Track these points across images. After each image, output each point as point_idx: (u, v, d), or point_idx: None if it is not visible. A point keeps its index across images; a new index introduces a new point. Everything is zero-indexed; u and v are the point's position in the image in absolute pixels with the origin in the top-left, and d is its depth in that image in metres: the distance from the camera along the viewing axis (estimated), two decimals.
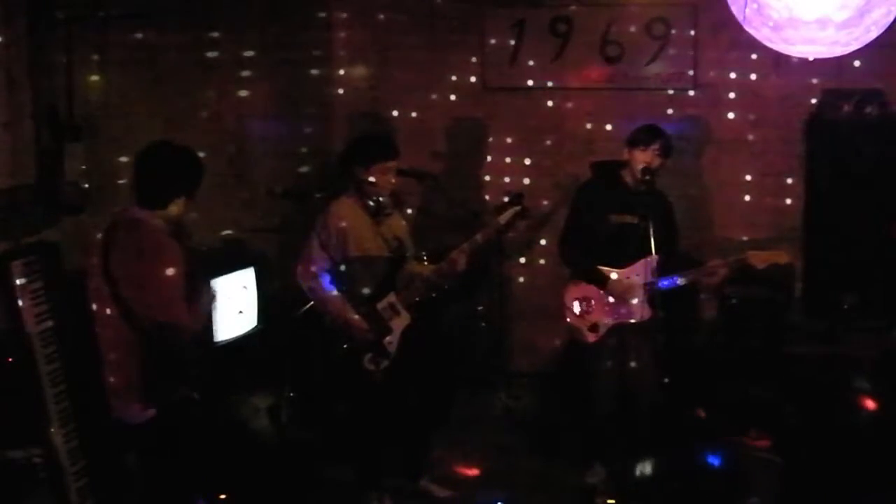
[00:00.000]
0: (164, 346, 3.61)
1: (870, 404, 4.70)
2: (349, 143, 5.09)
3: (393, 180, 4.84)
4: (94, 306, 3.67)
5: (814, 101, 5.96)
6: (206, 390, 3.89)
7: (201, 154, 3.96)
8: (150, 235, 3.68)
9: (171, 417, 3.69)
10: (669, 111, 6.35)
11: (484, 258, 5.19)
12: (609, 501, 4.86)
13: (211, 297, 4.01)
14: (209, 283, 4.04)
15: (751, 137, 6.29)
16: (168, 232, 3.75)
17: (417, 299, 4.90)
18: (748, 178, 6.30)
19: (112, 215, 3.82)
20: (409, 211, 6.43)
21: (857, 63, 5.69)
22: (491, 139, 6.70)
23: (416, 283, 4.89)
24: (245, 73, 6.13)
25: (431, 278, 4.86)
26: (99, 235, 3.81)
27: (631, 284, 4.97)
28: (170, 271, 3.62)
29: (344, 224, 4.79)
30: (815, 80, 5.82)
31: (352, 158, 4.85)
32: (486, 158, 6.71)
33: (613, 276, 4.98)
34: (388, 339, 4.79)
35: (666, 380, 4.91)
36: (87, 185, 4.65)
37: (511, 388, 6.31)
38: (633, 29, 6.39)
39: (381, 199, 4.83)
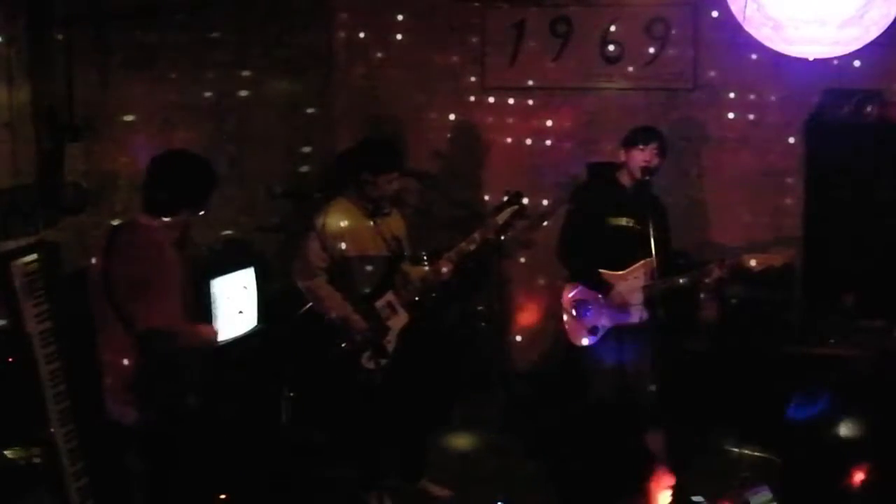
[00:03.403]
0: (156, 350, 3.62)
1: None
2: (356, 145, 5.09)
3: (396, 186, 4.86)
4: (93, 307, 3.67)
5: (814, 101, 5.95)
6: (205, 394, 3.90)
7: (201, 154, 3.95)
8: (150, 241, 3.69)
9: (166, 422, 3.70)
10: (669, 111, 6.35)
11: (484, 258, 5.19)
12: None
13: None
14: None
15: (751, 137, 6.29)
16: (171, 239, 3.76)
17: (416, 299, 4.91)
18: (748, 178, 6.30)
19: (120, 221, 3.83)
20: (410, 211, 6.43)
21: (857, 63, 5.68)
22: (491, 139, 6.70)
23: (415, 282, 4.90)
24: (245, 73, 6.12)
25: (417, 284, 4.87)
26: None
27: (630, 289, 4.97)
28: (165, 277, 3.63)
29: (342, 224, 4.80)
30: (815, 80, 5.82)
31: (358, 162, 4.86)
32: (485, 158, 6.71)
33: (616, 281, 4.98)
34: (386, 338, 4.79)
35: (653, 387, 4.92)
36: (86, 185, 4.64)
37: (511, 388, 6.31)
38: (633, 29, 6.39)
39: (381, 200, 4.85)
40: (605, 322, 5.01)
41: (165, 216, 3.75)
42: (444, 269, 4.84)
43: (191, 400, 3.85)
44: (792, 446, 4.90)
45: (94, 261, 3.84)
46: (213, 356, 4.01)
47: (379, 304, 4.81)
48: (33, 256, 3.40)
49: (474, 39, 6.63)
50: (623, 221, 4.99)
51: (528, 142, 6.63)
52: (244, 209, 6.02)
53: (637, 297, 4.96)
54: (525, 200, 5.03)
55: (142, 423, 3.68)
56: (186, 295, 3.77)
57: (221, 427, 4.15)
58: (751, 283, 5.59)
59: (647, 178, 4.93)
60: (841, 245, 5.72)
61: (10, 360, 3.53)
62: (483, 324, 6.58)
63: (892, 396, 4.90)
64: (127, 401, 3.66)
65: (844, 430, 4.76)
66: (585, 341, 5.07)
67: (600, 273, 5.00)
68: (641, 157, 4.94)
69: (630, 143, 5.00)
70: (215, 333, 3.98)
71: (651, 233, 4.73)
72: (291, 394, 5.44)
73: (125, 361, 3.64)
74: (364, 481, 4.92)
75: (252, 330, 5.35)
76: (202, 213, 3.88)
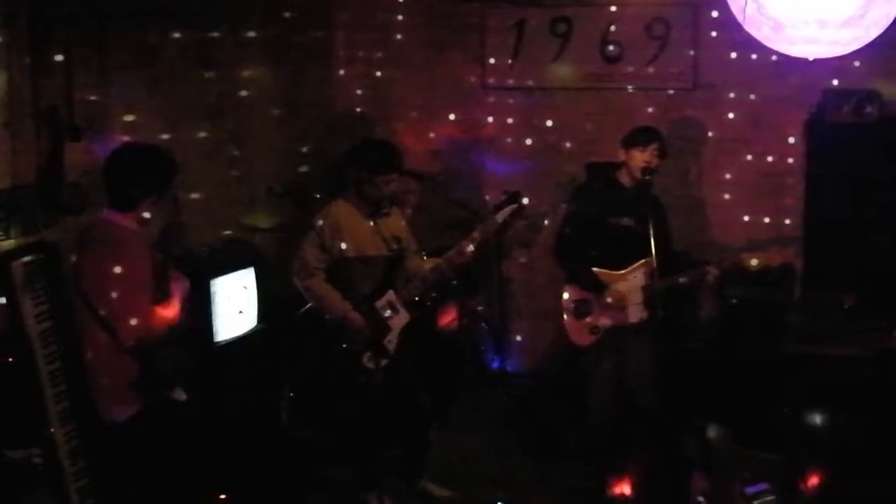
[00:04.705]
0: (125, 344, 3.63)
1: None
2: (356, 145, 5.09)
3: (395, 187, 4.86)
4: (73, 306, 3.69)
5: (814, 101, 5.96)
6: (198, 391, 3.89)
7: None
8: (116, 234, 3.71)
9: (152, 417, 3.70)
10: (669, 111, 6.35)
11: (483, 258, 5.18)
12: None
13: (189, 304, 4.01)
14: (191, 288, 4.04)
15: (751, 137, 6.29)
16: (142, 234, 3.77)
17: (417, 298, 4.91)
18: (748, 178, 6.30)
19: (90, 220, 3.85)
20: (409, 211, 6.43)
21: (857, 63, 5.69)
22: (491, 139, 6.70)
23: (415, 281, 4.89)
24: (245, 73, 6.13)
25: (441, 267, 4.83)
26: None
27: (629, 289, 4.97)
28: (134, 272, 3.63)
29: (342, 224, 4.80)
30: (815, 80, 5.82)
31: (357, 162, 4.86)
32: (485, 158, 6.71)
33: (615, 280, 4.98)
34: (387, 338, 4.79)
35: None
36: (86, 185, 4.64)
37: (511, 388, 6.31)
38: (633, 29, 6.39)
39: (380, 200, 4.85)
40: (605, 322, 5.01)
41: (130, 209, 3.76)
42: (468, 249, 4.79)
43: (180, 395, 3.85)
44: (791, 446, 4.89)
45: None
46: (214, 353, 4.00)
47: (380, 303, 4.81)
48: (33, 256, 3.41)
49: (474, 39, 6.63)
50: (623, 221, 5.00)
51: (528, 142, 6.63)
52: (244, 209, 6.02)
53: (637, 297, 4.96)
54: (525, 200, 5.02)
55: (129, 418, 3.68)
56: (156, 285, 3.78)
57: (219, 425, 4.15)
58: (750, 282, 5.59)
59: (647, 178, 4.93)
60: (841, 245, 5.72)
61: (10, 360, 3.54)
62: (483, 324, 6.58)
63: (893, 396, 4.90)
64: (111, 397, 3.66)
65: (845, 429, 4.77)
66: (585, 341, 5.07)
67: (595, 274, 4.99)
68: (641, 157, 4.95)
69: (630, 143, 5.00)
70: (174, 314, 3.94)
71: (651, 233, 4.73)
72: (291, 394, 5.45)
73: (105, 358, 3.65)
74: (364, 481, 4.92)
75: (252, 330, 5.35)
76: (165, 199, 3.86)
